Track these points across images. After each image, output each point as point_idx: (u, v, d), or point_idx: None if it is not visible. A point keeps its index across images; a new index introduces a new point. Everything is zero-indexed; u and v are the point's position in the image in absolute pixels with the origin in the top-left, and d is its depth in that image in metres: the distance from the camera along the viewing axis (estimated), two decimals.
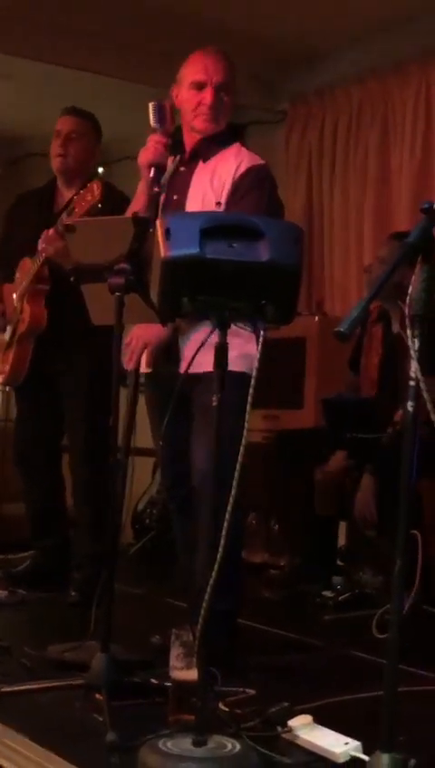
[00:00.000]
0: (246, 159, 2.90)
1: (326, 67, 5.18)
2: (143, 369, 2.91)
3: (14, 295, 3.80)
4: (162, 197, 2.91)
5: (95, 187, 3.20)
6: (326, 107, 5.19)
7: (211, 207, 2.82)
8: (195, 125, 2.94)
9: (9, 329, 3.82)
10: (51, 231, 3.52)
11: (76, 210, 3.28)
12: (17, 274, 3.81)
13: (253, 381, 2.06)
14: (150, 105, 2.83)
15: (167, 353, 2.85)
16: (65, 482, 4.00)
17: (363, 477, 3.79)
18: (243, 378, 2.16)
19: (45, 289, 3.69)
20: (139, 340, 2.83)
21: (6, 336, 3.83)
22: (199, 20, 4.65)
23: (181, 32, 4.64)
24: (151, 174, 2.79)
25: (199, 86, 2.91)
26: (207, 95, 2.90)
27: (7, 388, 4.02)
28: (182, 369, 2.70)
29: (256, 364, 2.06)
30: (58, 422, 3.93)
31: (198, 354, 2.25)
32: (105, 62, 4.86)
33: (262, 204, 2.81)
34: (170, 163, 2.98)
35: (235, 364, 2.21)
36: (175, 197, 2.92)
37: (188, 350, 2.75)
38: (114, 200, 3.38)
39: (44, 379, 3.81)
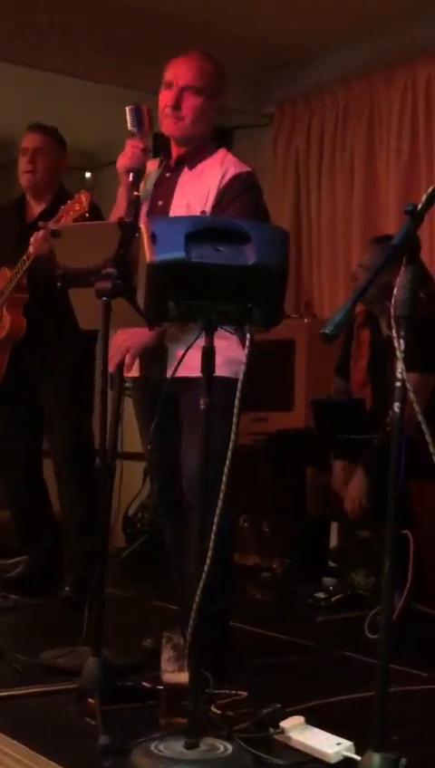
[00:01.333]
0: (232, 167, 2.89)
1: (312, 69, 5.19)
2: (127, 373, 2.92)
3: None
4: (148, 203, 2.91)
5: (83, 198, 3.25)
6: (313, 109, 5.21)
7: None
8: (162, 128, 2.91)
9: None
10: (39, 233, 3.53)
11: (63, 219, 3.32)
12: None
13: (240, 385, 2.06)
14: (127, 109, 2.82)
15: (156, 357, 2.85)
16: (47, 486, 4.01)
17: (356, 473, 3.78)
18: (230, 383, 2.17)
19: (24, 297, 3.74)
20: (122, 344, 2.84)
21: None
22: (186, 23, 4.65)
23: (168, 34, 4.65)
24: (130, 178, 2.78)
25: (168, 86, 2.89)
26: (169, 95, 2.86)
27: None
28: (169, 372, 2.70)
29: (243, 368, 2.07)
30: (38, 427, 3.95)
31: (185, 358, 2.26)
32: (91, 66, 4.86)
33: (248, 212, 2.79)
34: (156, 167, 2.98)
35: (222, 369, 2.22)
36: (160, 203, 2.92)
37: (175, 354, 2.75)
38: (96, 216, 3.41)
39: (22, 384, 3.84)
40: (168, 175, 2.96)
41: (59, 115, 5.02)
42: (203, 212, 2.81)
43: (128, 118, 2.82)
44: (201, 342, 2.15)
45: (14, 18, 4.54)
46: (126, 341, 2.82)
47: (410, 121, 4.69)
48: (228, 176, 2.85)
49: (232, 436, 2.04)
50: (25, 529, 4.01)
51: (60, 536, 3.95)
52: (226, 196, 2.82)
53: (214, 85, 2.92)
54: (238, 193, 2.82)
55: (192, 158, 2.93)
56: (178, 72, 2.87)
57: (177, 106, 2.86)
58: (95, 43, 4.80)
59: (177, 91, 2.86)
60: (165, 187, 2.94)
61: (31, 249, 3.55)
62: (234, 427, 2.05)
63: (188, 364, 2.26)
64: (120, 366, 2.84)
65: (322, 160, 5.15)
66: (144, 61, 4.51)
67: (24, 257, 3.59)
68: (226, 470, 2.03)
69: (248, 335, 2.09)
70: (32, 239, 3.54)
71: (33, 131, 3.88)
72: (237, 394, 2.06)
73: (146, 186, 2.92)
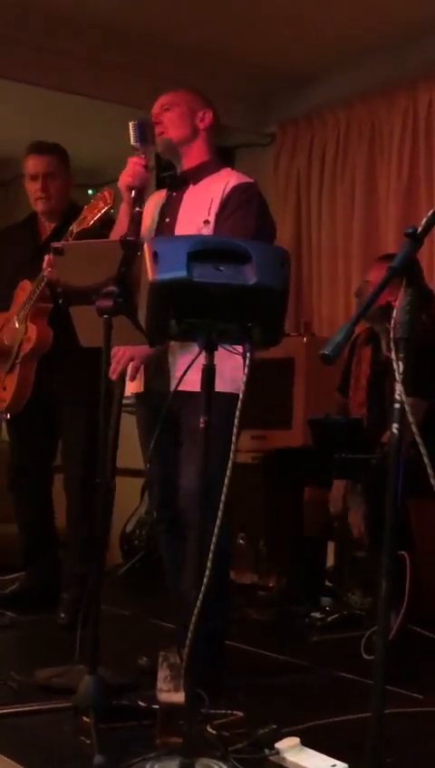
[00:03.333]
0: (235, 178, 2.93)
1: (315, 90, 5.23)
2: (131, 388, 2.92)
3: (14, 319, 3.78)
4: (156, 222, 2.94)
5: (107, 195, 3.17)
6: (315, 130, 5.24)
7: (199, 226, 2.84)
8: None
9: (12, 352, 3.78)
10: (50, 256, 3.52)
11: (87, 217, 3.25)
12: (17, 295, 3.80)
13: (240, 404, 2.07)
14: (131, 124, 2.84)
15: (158, 370, 2.86)
16: (54, 503, 4.00)
17: (356, 497, 3.79)
18: (230, 399, 2.18)
19: (48, 307, 3.67)
20: (125, 353, 2.85)
21: (7, 362, 3.78)
22: (188, 43, 4.69)
23: (170, 55, 4.69)
24: (132, 195, 2.80)
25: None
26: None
27: (8, 416, 3.87)
28: (172, 387, 2.71)
29: (242, 387, 2.07)
30: (52, 444, 3.93)
31: (187, 373, 2.27)
32: (93, 85, 4.88)
33: (250, 220, 2.83)
34: (163, 196, 3.01)
35: (222, 385, 2.22)
36: (167, 220, 2.96)
37: (178, 370, 2.76)
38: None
39: (40, 401, 3.79)
40: (174, 194, 3.01)
41: (60, 132, 5.06)
42: (206, 221, 2.83)
43: (131, 133, 2.83)
44: (202, 359, 2.16)
45: (15, 37, 4.56)
46: (128, 351, 2.83)
47: (411, 144, 4.72)
48: (230, 185, 2.89)
49: (231, 455, 2.04)
50: (31, 545, 3.99)
51: (59, 557, 3.94)
52: (228, 205, 2.85)
53: (187, 97, 3.00)
54: (240, 202, 2.85)
55: (196, 175, 2.96)
56: (156, 105, 3.00)
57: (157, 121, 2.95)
58: (96, 62, 4.82)
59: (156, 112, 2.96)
60: (172, 205, 2.98)
61: (44, 271, 3.52)
62: (233, 446, 2.05)
63: (190, 378, 2.27)
64: (122, 376, 2.85)
65: (323, 181, 5.18)
66: (147, 80, 4.55)
67: (42, 274, 3.57)
68: (224, 489, 2.04)
69: (248, 354, 2.10)
70: (45, 261, 3.49)
71: (39, 154, 3.83)
72: (237, 413, 2.07)
73: (155, 210, 2.95)
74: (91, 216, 3.23)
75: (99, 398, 3.65)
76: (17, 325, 3.76)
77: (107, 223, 3.19)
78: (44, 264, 3.49)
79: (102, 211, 3.19)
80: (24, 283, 3.76)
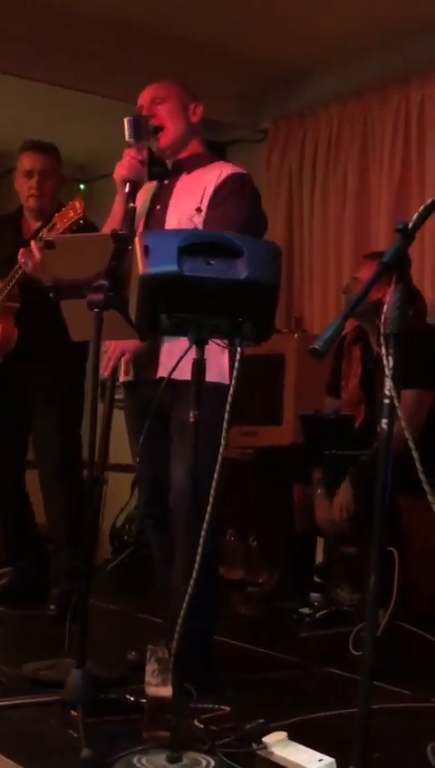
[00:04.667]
0: (229, 168, 2.94)
1: (308, 87, 5.23)
2: (122, 377, 2.92)
3: None
4: (147, 210, 2.93)
5: (78, 205, 3.24)
6: (307, 126, 5.24)
7: (191, 214, 2.84)
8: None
9: None
10: (32, 246, 3.53)
11: (57, 226, 3.30)
12: None
13: (229, 399, 2.07)
14: (126, 120, 2.84)
15: (148, 360, 2.86)
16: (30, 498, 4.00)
17: (343, 484, 3.78)
18: (217, 388, 2.17)
19: (15, 306, 3.73)
20: (117, 347, 2.85)
21: None
22: (182, 39, 4.68)
23: (163, 50, 4.68)
24: (127, 189, 2.79)
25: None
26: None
27: None
28: (160, 374, 2.71)
29: (232, 381, 2.08)
30: (23, 439, 3.94)
31: (176, 361, 2.26)
32: (88, 79, 4.88)
33: (242, 209, 2.82)
34: (153, 185, 3.00)
35: (208, 375, 2.21)
36: (158, 207, 2.95)
37: (167, 358, 2.76)
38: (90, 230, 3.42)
39: (10, 395, 3.82)
40: (166, 182, 3.00)
41: (53, 126, 5.05)
42: (198, 209, 2.83)
43: (126, 128, 2.83)
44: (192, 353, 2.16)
45: (7, 30, 4.55)
46: (119, 345, 2.83)
47: (403, 141, 4.72)
48: (224, 174, 2.89)
49: (220, 450, 2.04)
50: (10, 541, 4.00)
51: (45, 548, 3.94)
52: (220, 193, 2.84)
53: (176, 91, 3.00)
54: (232, 191, 2.85)
55: (190, 165, 2.96)
56: (142, 97, 2.99)
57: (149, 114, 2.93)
58: (90, 56, 4.81)
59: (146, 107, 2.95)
60: (164, 193, 2.97)
61: (20, 263, 3.54)
62: (223, 441, 2.05)
63: (180, 367, 2.27)
64: (114, 371, 2.85)
65: (315, 177, 5.18)
66: (141, 75, 4.53)
67: (17, 267, 3.59)
68: (214, 484, 2.04)
69: (239, 349, 2.10)
70: (20, 253, 3.52)
71: (36, 151, 3.85)
72: (227, 407, 2.07)
73: (146, 198, 2.94)
74: (62, 225, 3.28)
75: (73, 390, 3.74)
76: None
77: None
78: (19, 257, 3.49)
79: (72, 221, 3.24)
80: None
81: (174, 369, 2.29)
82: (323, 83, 5.13)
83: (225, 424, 2.07)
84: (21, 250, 3.49)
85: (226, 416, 2.07)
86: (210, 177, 2.90)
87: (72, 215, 3.25)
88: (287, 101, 5.34)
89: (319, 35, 4.69)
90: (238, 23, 4.58)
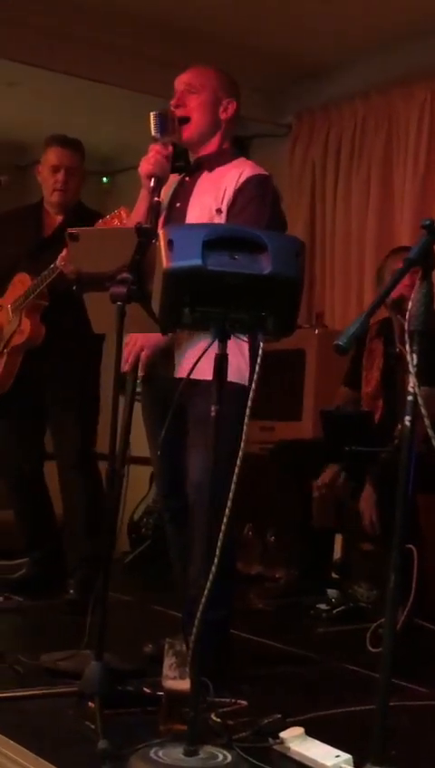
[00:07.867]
0: (249, 169, 2.91)
1: (332, 82, 5.20)
2: (141, 372, 2.93)
3: (7, 307, 3.84)
4: (167, 206, 2.92)
5: (123, 214, 3.20)
6: (331, 121, 5.22)
7: (211, 214, 2.83)
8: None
9: (2, 338, 3.85)
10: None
11: None
12: (14, 285, 3.85)
13: (251, 394, 2.07)
14: (151, 115, 2.83)
15: (165, 358, 2.86)
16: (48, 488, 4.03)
17: (365, 488, 3.78)
18: (236, 388, 2.17)
19: (44, 305, 3.75)
20: (136, 343, 2.85)
21: None
22: (208, 34, 4.67)
23: (187, 45, 4.68)
24: (152, 184, 2.79)
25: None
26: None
27: None
28: (178, 374, 2.71)
29: (254, 376, 2.07)
30: (41, 430, 3.96)
31: (194, 361, 2.26)
32: (111, 72, 4.88)
33: (263, 214, 2.81)
34: (176, 179, 2.99)
35: (232, 375, 2.22)
36: (178, 205, 2.94)
37: (184, 358, 2.76)
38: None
39: (28, 387, 3.84)
40: (187, 179, 2.98)
41: (77, 119, 5.06)
42: (218, 210, 2.82)
43: (152, 124, 2.82)
44: (212, 348, 2.15)
45: (37, 23, 4.56)
46: (139, 340, 2.84)
47: (428, 136, 4.69)
48: (244, 176, 2.86)
49: (241, 446, 2.04)
50: (28, 531, 4.03)
51: (62, 539, 3.96)
52: (241, 196, 2.83)
53: (213, 82, 2.95)
54: (254, 195, 2.83)
55: (211, 162, 2.95)
56: (179, 80, 2.95)
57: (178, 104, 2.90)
58: (114, 49, 4.82)
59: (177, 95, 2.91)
60: (183, 190, 2.96)
61: (59, 262, 3.54)
62: (244, 436, 2.05)
63: (199, 366, 2.27)
64: (135, 366, 2.85)
65: (338, 172, 5.16)
66: (164, 68, 4.53)
67: (52, 267, 3.59)
68: (233, 478, 2.03)
69: (260, 344, 2.10)
70: (61, 255, 3.50)
71: (64, 147, 3.86)
72: (248, 402, 2.06)
73: (166, 194, 2.93)
74: None
75: (90, 382, 3.76)
76: (11, 315, 3.82)
77: None
78: (59, 259, 3.50)
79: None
80: (23, 276, 3.81)
81: (194, 367, 2.27)
82: (348, 78, 5.11)
83: (246, 419, 2.06)
84: (61, 254, 3.48)
85: (247, 411, 2.06)
86: (231, 177, 2.88)
87: (116, 223, 3.24)
88: (311, 96, 5.31)
89: (343, 30, 4.67)
90: (264, 17, 4.57)
